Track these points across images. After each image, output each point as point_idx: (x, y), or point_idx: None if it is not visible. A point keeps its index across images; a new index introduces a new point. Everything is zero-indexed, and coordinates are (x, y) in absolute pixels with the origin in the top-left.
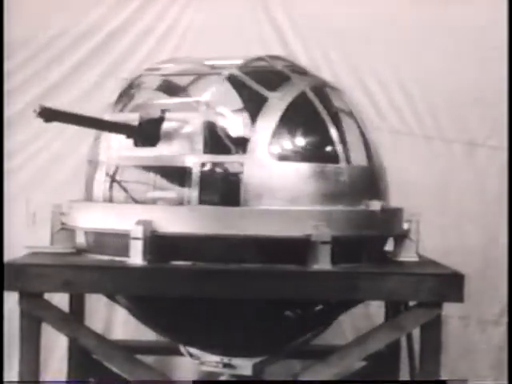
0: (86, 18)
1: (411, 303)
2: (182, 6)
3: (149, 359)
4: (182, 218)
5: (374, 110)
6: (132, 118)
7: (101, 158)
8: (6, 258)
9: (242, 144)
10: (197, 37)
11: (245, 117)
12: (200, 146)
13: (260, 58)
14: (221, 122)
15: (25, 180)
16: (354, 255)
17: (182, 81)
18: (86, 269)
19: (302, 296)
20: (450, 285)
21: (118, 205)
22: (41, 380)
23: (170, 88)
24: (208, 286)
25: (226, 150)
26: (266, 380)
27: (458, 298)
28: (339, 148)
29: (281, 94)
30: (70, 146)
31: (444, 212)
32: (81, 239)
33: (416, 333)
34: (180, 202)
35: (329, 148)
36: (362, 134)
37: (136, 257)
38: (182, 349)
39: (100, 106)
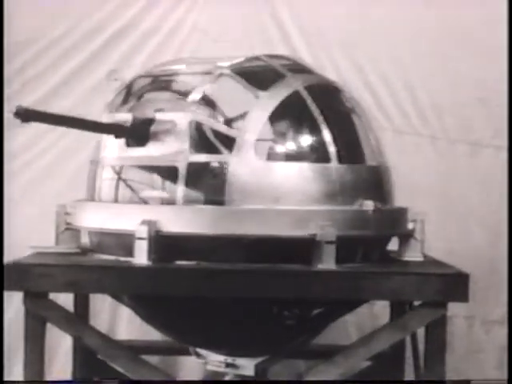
0: (88, 20)
1: (416, 303)
2: (187, 7)
3: (153, 359)
4: (186, 217)
5: (379, 110)
6: (124, 118)
7: (100, 157)
8: (8, 257)
9: (229, 143)
10: (201, 37)
11: (233, 116)
12: (186, 145)
13: (256, 58)
14: (209, 122)
15: (28, 181)
16: (359, 255)
17: (182, 82)
18: (91, 269)
19: (306, 296)
20: (455, 285)
21: (122, 205)
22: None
23: (164, 88)
24: (212, 286)
25: (213, 150)
26: (271, 380)
27: (463, 297)
28: (331, 147)
29: (271, 93)
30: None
31: (448, 212)
32: (85, 239)
33: (421, 333)
34: (170, 202)
35: (319, 147)
36: (364, 134)
37: (141, 257)
38: (191, 348)
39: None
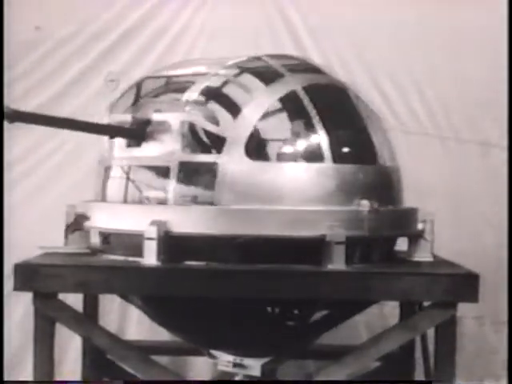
0: (96, 21)
1: (426, 303)
2: (195, 7)
3: (163, 359)
4: (195, 218)
5: (389, 110)
6: (124, 118)
7: (103, 157)
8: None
9: (221, 143)
10: (210, 37)
11: (227, 116)
12: (178, 145)
13: (258, 58)
14: (200, 122)
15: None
16: (368, 255)
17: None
18: (100, 269)
19: (316, 296)
20: (465, 285)
21: (132, 205)
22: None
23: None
24: (221, 286)
25: (206, 149)
26: (279, 380)
27: (473, 298)
28: (325, 147)
29: (266, 93)
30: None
31: (457, 212)
32: (95, 239)
33: (431, 333)
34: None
35: (313, 147)
36: (369, 134)
37: (150, 257)
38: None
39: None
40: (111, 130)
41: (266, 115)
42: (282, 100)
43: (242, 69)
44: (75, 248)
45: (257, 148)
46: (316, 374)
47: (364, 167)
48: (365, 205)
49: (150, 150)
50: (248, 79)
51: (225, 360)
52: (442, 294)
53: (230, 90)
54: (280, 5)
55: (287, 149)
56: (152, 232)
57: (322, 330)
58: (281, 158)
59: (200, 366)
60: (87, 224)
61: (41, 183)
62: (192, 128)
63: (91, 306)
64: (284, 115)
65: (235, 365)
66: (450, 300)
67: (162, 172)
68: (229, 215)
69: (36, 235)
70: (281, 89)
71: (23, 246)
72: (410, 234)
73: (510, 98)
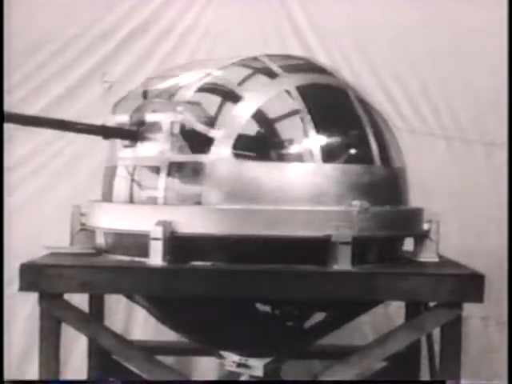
0: (99, 23)
1: (431, 303)
2: (201, 8)
3: (169, 360)
4: (201, 218)
5: (395, 111)
6: (122, 120)
7: (109, 157)
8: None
9: (209, 143)
10: (216, 38)
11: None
12: (168, 145)
13: (254, 58)
14: (189, 122)
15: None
16: (374, 255)
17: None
18: (106, 269)
19: (322, 296)
20: (470, 285)
21: (137, 205)
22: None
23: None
24: (227, 287)
25: (197, 149)
26: (284, 380)
27: (478, 298)
28: (315, 147)
29: (257, 93)
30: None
31: (463, 212)
32: (100, 240)
33: (436, 333)
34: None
35: (303, 147)
36: (371, 135)
37: (155, 257)
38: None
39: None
40: (104, 131)
41: (256, 115)
42: (273, 100)
43: (237, 69)
44: (80, 248)
45: (246, 147)
46: (321, 374)
47: (353, 167)
48: (355, 205)
49: (143, 151)
50: (242, 79)
51: (230, 360)
52: (447, 294)
53: (222, 90)
54: (286, 5)
55: (266, 147)
56: (158, 232)
57: (327, 330)
58: (284, 157)
59: (205, 367)
60: (93, 224)
61: (46, 184)
62: (183, 128)
63: (97, 306)
64: (275, 115)
65: (239, 365)
66: (456, 300)
67: (157, 172)
68: (235, 215)
69: (39, 236)
70: (273, 88)
71: (28, 246)
72: (416, 235)
73: (509, 100)
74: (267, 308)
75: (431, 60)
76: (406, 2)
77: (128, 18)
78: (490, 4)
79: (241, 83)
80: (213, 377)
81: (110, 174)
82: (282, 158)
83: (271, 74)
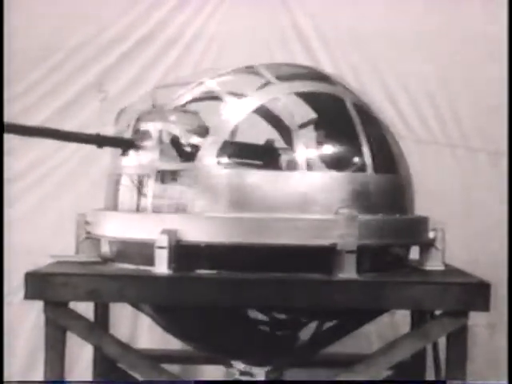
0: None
1: (437, 312)
2: (207, 16)
3: (174, 368)
4: (206, 226)
5: (400, 120)
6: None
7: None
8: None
9: (196, 152)
10: (222, 46)
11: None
12: (156, 154)
13: (249, 67)
14: (175, 131)
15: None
16: (379, 264)
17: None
18: (111, 278)
19: (327, 305)
20: (476, 294)
21: (142, 214)
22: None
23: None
24: (233, 295)
25: (185, 158)
26: (285, 380)
27: (484, 307)
28: (300, 156)
29: (246, 100)
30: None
31: (468, 221)
32: (106, 248)
33: (442, 341)
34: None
35: (288, 156)
36: (368, 143)
37: (161, 266)
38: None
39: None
40: (99, 140)
41: (244, 122)
42: (263, 107)
43: (229, 78)
44: (86, 257)
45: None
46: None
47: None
48: (344, 213)
49: (135, 159)
50: (231, 87)
51: (236, 368)
52: (453, 302)
53: (212, 99)
54: (292, 14)
55: (249, 155)
56: (163, 241)
57: (332, 338)
58: (239, 165)
59: (210, 375)
60: (98, 232)
61: (51, 192)
62: (173, 137)
63: (102, 314)
64: (264, 123)
65: (242, 373)
66: (462, 309)
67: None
68: (241, 224)
69: (44, 244)
70: (263, 97)
71: (34, 254)
72: (421, 243)
73: (509, 103)
74: (272, 316)
75: (437, 69)
76: (412, 11)
77: (132, 29)
78: (496, 12)
79: (230, 91)
80: None
81: (113, 182)
82: (290, 167)
83: (263, 82)
